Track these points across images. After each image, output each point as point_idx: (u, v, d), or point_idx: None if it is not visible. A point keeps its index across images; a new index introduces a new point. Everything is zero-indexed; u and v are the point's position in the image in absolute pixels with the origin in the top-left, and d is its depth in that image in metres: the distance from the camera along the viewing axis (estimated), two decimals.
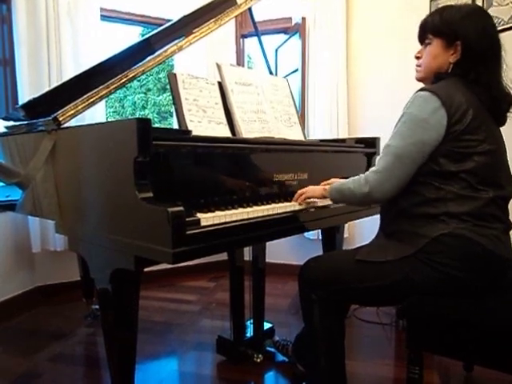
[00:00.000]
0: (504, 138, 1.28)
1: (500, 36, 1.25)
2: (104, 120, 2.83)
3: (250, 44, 3.55)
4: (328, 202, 1.47)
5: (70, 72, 2.59)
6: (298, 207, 1.44)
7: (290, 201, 1.49)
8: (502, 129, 1.29)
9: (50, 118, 1.40)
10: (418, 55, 1.33)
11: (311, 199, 1.47)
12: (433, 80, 1.28)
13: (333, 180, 1.53)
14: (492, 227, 1.16)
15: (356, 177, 1.28)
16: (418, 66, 1.34)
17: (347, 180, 1.32)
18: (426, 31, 1.29)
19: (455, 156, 1.16)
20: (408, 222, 1.22)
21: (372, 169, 1.24)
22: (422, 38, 1.32)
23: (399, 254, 1.19)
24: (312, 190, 1.45)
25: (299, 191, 1.48)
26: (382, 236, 1.32)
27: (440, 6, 2.32)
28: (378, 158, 1.25)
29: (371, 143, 2.03)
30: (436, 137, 1.15)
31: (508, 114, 1.27)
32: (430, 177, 1.19)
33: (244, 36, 3.50)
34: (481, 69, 1.20)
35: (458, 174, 1.16)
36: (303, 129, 1.95)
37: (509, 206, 1.24)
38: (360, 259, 1.24)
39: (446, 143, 1.15)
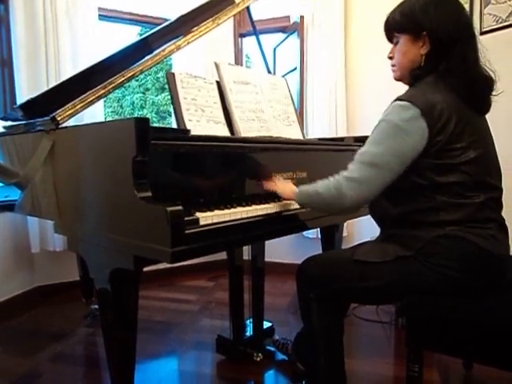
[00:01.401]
0: (492, 129, 1.27)
1: (470, 17, 1.21)
2: (102, 120, 2.83)
3: (249, 43, 3.55)
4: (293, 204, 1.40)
5: (68, 72, 2.58)
6: (297, 206, 1.43)
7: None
8: (490, 122, 1.27)
9: (48, 118, 1.40)
10: (391, 55, 1.30)
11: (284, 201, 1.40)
12: (409, 80, 1.25)
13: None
14: (487, 227, 1.15)
15: (326, 181, 1.23)
16: (392, 65, 1.30)
17: (316, 183, 1.26)
18: (391, 30, 1.27)
19: (440, 169, 1.14)
20: (403, 228, 1.22)
21: (345, 174, 1.18)
22: (390, 37, 1.29)
23: (396, 254, 1.19)
24: (282, 188, 1.39)
25: (275, 183, 1.40)
26: (380, 238, 1.32)
27: None
28: (352, 162, 1.19)
29: None
30: (415, 148, 1.12)
31: (493, 99, 1.23)
32: (419, 189, 1.17)
33: (242, 35, 3.50)
34: (453, 55, 1.16)
35: (446, 185, 1.14)
36: (302, 128, 1.95)
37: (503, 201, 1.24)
38: (357, 259, 1.24)
39: (430, 156, 1.13)
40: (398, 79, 1.31)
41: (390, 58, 1.31)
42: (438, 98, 1.13)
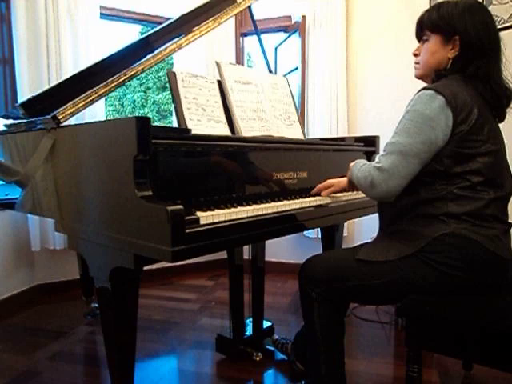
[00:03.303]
0: (504, 135, 1.28)
1: (499, 32, 1.25)
2: (103, 118, 2.83)
3: (250, 42, 3.55)
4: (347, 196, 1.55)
5: (70, 70, 2.59)
6: (297, 206, 1.43)
7: (290, 199, 1.49)
8: (502, 127, 1.29)
9: (49, 117, 1.40)
10: (416, 52, 1.33)
11: (336, 194, 1.51)
12: (433, 78, 1.28)
13: (330, 182, 1.56)
14: (492, 227, 1.16)
15: (365, 165, 1.27)
16: (416, 63, 1.34)
17: (360, 165, 1.31)
18: (423, 28, 1.29)
19: (460, 157, 1.15)
20: (408, 222, 1.22)
21: (376, 164, 1.21)
22: (420, 35, 1.32)
23: (399, 253, 1.19)
24: (337, 182, 1.49)
25: (324, 184, 1.53)
26: (382, 236, 1.32)
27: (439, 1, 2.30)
28: (381, 153, 1.22)
29: (371, 142, 2.03)
30: (442, 137, 1.15)
31: (508, 110, 1.26)
32: (432, 177, 1.18)
33: (244, 34, 3.49)
34: (480, 63, 1.20)
35: (461, 174, 1.16)
36: (303, 127, 1.95)
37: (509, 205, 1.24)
38: (360, 259, 1.24)
39: (450, 144, 1.15)
40: (419, 77, 1.34)
41: (416, 55, 1.34)
42: (462, 92, 1.16)
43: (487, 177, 1.16)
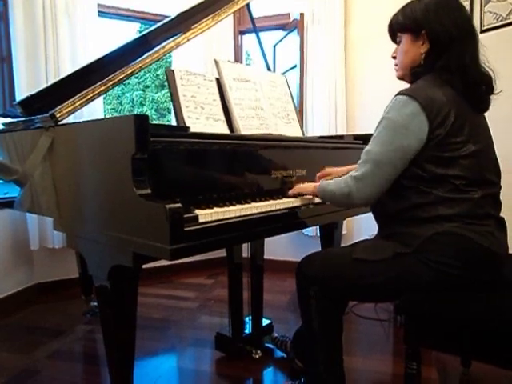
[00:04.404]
0: (491, 128, 1.27)
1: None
2: (102, 117, 2.82)
3: (248, 40, 3.55)
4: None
5: (68, 68, 2.58)
6: (296, 204, 1.44)
7: (289, 197, 1.49)
8: (489, 120, 1.27)
9: (47, 115, 1.39)
10: (394, 55, 1.35)
11: (306, 196, 1.48)
12: (411, 78, 1.28)
13: (328, 170, 1.60)
14: (485, 224, 1.16)
15: (339, 179, 1.29)
16: (395, 65, 1.35)
17: (333, 181, 1.32)
18: (394, 31, 1.32)
19: (441, 161, 1.15)
20: (401, 225, 1.22)
21: (352, 173, 1.23)
22: (393, 37, 1.34)
23: (395, 252, 1.19)
24: (304, 186, 1.47)
25: (296, 186, 1.50)
26: (378, 237, 1.32)
27: None
28: (359, 162, 1.24)
29: (370, 139, 2.03)
30: (417, 142, 1.14)
31: (492, 97, 1.24)
32: (418, 182, 1.18)
33: (242, 32, 3.49)
34: (450, 54, 1.19)
35: (444, 177, 1.15)
36: (301, 125, 1.95)
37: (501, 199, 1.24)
38: (357, 257, 1.24)
39: (430, 149, 1.15)
40: (400, 78, 1.35)
41: (394, 57, 1.35)
42: (438, 94, 1.15)
43: (471, 178, 1.15)
